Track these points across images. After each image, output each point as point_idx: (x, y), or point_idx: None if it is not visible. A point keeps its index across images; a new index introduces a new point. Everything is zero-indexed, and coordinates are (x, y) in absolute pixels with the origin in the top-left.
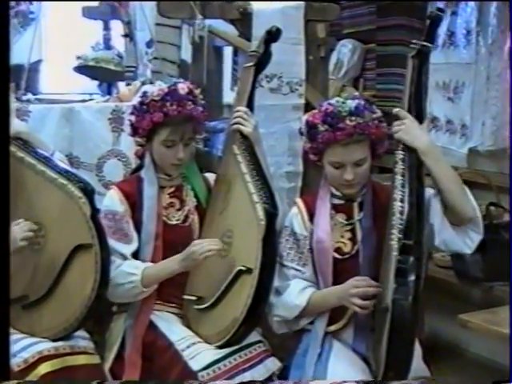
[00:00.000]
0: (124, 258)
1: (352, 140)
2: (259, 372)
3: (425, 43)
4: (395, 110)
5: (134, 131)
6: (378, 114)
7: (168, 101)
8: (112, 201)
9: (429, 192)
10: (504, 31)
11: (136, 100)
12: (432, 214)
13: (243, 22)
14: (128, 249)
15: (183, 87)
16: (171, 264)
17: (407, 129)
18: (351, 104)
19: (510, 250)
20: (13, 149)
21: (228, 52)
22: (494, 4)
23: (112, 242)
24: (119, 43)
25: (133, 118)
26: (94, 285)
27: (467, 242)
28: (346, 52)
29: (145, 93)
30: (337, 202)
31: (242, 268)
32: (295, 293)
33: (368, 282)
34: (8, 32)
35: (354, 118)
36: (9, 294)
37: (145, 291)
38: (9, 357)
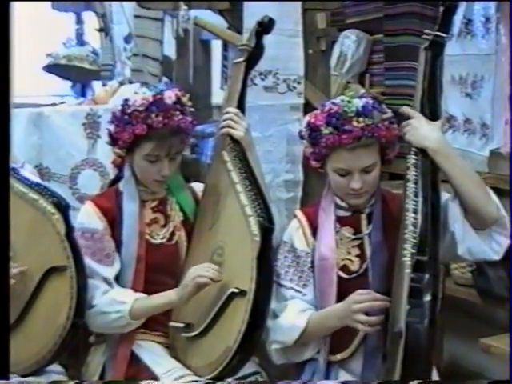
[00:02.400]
0: (107, 282)
1: (359, 144)
2: None
3: (439, 33)
4: (401, 109)
5: (113, 142)
6: (389, 114)
7: (153, 112)
8: (89, 217)
9: (445, 196)
10: None
11: (116, 108)
12: (451, 220)
13: (233, 12)
14: (111, 271)
15: (170, 95)
16: (168, 296)
17: (413, 128)
18: (358, 103)
19: (510, 256)
20: None
21: (217, 46)
22: None
23: (92, 265)
24: (94, 38)
25: (112, 127)
26: (69, 313)
27: (494, 247)
28: (349, 44)
29: (126, 101)
30: (342, 213)
31: (235, 290)
32: (294, 313)
33: (373, 296)
34: (8, 32)
35: (361, 119)
36: (9, 292)
37: (132, 324)
38: (9, 357)
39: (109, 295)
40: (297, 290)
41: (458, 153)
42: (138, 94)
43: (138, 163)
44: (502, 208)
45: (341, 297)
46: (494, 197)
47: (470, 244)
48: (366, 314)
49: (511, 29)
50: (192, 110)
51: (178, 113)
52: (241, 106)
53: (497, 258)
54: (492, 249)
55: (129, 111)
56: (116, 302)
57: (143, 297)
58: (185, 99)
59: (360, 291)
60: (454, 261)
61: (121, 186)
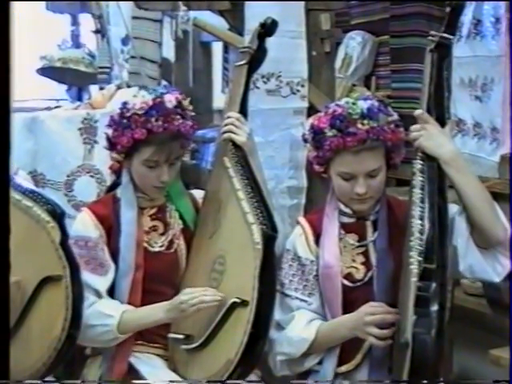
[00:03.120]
0: (97, 293)
1: (364, 147)
2: None
3: (445, 34)
4: (417, 112)
5: (111, 146)
6: (395, 116)
7: (153, 116)
8: (84, 225)
9: (452, 209)
10: None
11: (115, 112)
12: (456, 234)
13: (234, 13)
14: (103, 282)
15: (171, 99)
16: (155, 312)
17: (429, 135)
18: (363, 105)
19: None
20: None
21: (217, 48)
22: None
23: (85, 275)
24: (90, 40)
25: (110, 131)
26: (64, 324)
27: (497, 269)
28: (354, 46)
29: (125, 104)
30: (346, 220)
31: (237, 300)
32: (301, 325)
33: (385, 309)
34: (8, 32)
35: (366, 122)
36: (9, 291)
37: (119, 337)
38: (9, 357)
39: (95, 307)
40: (302, 300)
41: (467, 159)
42: (137, 97)
43: (137, 169)
44: (510, 229)
45: (346, 305)
46: (502, 218)
47: (472, 262)
48: (378, 326)
49: (511, 28)
50: (193, 114)
51: (178, 117)
52: (243, 111)
53: (497, 279)
54: (494, 270)
55: (128, 115)
56: (103, 314)
57: (131, 309)
58: (186, 103)
59: (372, 303)
60: (455, 277)
61: (118, 192)
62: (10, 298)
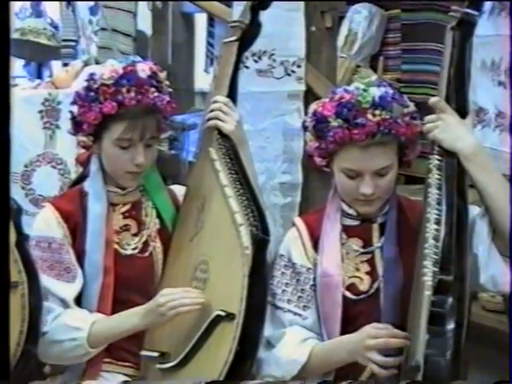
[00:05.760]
0: (64, 303)
1: (374, 141)
2: None
3: (469, 10)
4: (433, 99)
5: (77, 127)
6: (411, 107)
7: (123, 86)
8: (47, 224)
9: (474, 211)
10: None
11: (79, 83)
12: (476, 240)
13: None
14: (70, 290)
15: (144, 68)
16: (129, 319)
17: (446, 126)
18: (375, 92)
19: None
20: None
21: (201, 21)
22: None
23: (48, 281)
24: (53, 9)
25: (75, 108)
26: (19, 338)
27: None
28: (360, 21)
29: (92, 75)
30: (350, 222)
31: (221, 313)
32: (293, 344)
33: (391, 332)
34: (8, 32)
35: (377, 112)
36: (9, 291)
37: (91, 352)
38: (9, 357)
39: (61, 320)
40: (296, 313)
41: (490, 154)
42: (105, 67)
43: (108, 151)
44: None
45: (347, 321)
46: None
47: (495, 272)
48: (382, 352)
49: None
50: (170, 90)
51: (153, 89)
52: (232, 95)
53: None
54: None
55: (95, 86)
56: (70, 328)
57: (101, 319)
58: (162, 75)
59: (375, 324)
60: (475, 289)
61: (86, 185)
62: (9, 302)
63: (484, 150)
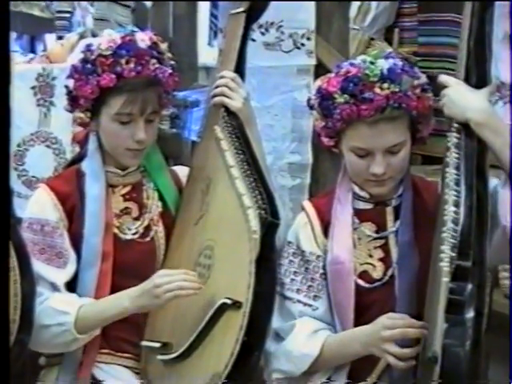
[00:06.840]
0: (54, 287)
1: (383, 116)
2: None
3: None
4: (439, 76)
5: (73, 102)
6: (422, 79)
7: (122, 56)
8: (41, 205)
9: (493, 182)
10: None
11: (75, 57)
12: (503, 211)
13: None
14: (61, 275)
15: (143, 38)
16: (121, 301)
17: (450, 101)
18: (383, 65)
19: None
20: None
21: None
22: None
23: (39, 265)
24: None
25: (71, 82)
26: (12, 327)
27: None
28: None
29: (88, 46)
30: (362, 206)
31: (227, 301)
32: (303, 337)
33: (408, 321)
34: (8, 32)
35: (386, 86)
36: (8, 294)
37: (79, 338)
38: (9, 357)
39: (47, 303)
40: (306, 304)
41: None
42: (103, 37)
43: (107, 127)
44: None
45: (360, 311)
46: None
47: None
48: (398, 343)
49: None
50: (172, 63)
51: (154, 61)
52: (239, 70)
53: None
54: None
55: (92, 58)
56: (57, 311)
57: (90, 302)
58: (163, 46)
59: (391, 314)
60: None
61: (83, 165)
62: (9, 301)
63: (495, 113)
